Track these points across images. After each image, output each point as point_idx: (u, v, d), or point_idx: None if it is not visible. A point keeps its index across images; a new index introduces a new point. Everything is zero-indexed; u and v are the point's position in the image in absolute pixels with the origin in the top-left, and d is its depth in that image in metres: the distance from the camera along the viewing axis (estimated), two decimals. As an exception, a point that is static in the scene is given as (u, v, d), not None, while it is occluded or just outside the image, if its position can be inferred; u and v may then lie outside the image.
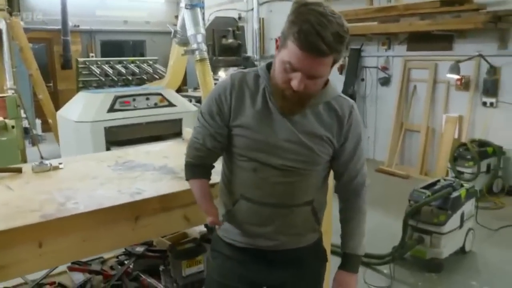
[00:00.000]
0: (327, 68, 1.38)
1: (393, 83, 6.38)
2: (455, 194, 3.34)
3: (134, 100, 3.84)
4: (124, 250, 2.56)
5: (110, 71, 8.89)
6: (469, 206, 3.53)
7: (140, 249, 2.58)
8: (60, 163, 2.24)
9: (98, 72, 8.82)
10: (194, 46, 3.94)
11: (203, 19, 4.07)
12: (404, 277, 3.31)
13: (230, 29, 7.30)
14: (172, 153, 2.49)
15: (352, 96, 6.63)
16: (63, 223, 1.55)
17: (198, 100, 6.06)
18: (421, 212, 3.30)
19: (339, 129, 1.52)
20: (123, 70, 9.00)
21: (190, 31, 3.98)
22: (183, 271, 2.05)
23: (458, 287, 3.20)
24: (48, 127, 7.48)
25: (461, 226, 3.42)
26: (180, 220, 1.85)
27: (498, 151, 5.08)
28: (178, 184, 1.90)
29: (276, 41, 1.44)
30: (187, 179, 1.63)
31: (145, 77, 9.09)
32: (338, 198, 1.67)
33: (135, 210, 1.70)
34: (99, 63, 9.06)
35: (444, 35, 5.58)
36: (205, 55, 3.91)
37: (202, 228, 2.44)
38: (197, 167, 1.60)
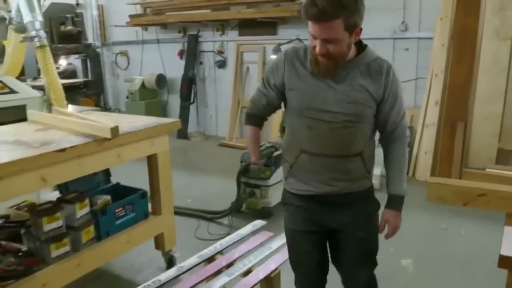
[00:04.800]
0: (338, 32, 1.60)
1: (229, 66, 7.08)
2: (276, 153, 4.08)
3: (-27, 88, 3.86)
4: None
5: None
6: (289, 163, 4.31)
7: (-3, 221, 2.81)
8: None
9: None
10: (33, 33, 4.05)
11: (40, 5, 4.18)
12: (241, 225, 3.96)
13: (69, 15, 7.24)
14: (21, 132, 2.73)
15: (193, 79, 7.19)
16: None
17: (41, 88, 6.01)
18: (250, 170, 3.99)
19: (380, 85, 1.76)
20: None
21: (26, 18, 4.07)
22: (44, 227, 2.37)
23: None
24: None
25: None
26: (38, 181, 2.18)
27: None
28: (33, 151, 2.22)
29: None
30: (245, 124, 2.17)
31: (-26, 67, 8.52)
32: (382, 148, 1.97)
33: (-4, 173, 2.00)
34: None
35: (269, 22, 6.42)
36: (45, 41, 4.04)
37: (57, 194, 2.76)
38: (253, 117, 2.08)
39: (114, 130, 2.39)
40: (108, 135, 2.38)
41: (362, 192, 1.90)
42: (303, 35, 6.08)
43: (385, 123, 1.85)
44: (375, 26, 5.72)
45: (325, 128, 1.76)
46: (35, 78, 8.38)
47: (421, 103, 5.49)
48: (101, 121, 2.58)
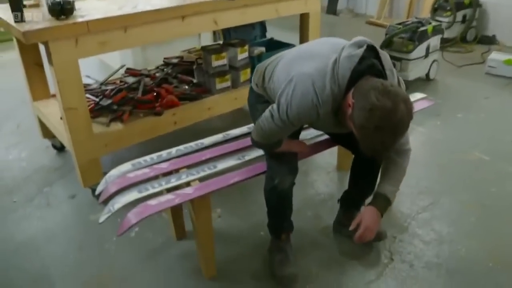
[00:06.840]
0: None
1: None
2: (422, 28, 4.13)
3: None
4: (163, 62, 3.45)
5: None
6: (435, 41, 4.34)
7: (174, 60, 3.47)
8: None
9: None
10: None
11: None
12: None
13: None
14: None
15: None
16: (137, 17, 2.37)
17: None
18: (394, 43, 4.15)
19: None
20: None
21: None
22: (212, 63, 2.93)
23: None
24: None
25: (426, 56, 4.26)
26: (211, 23, 2.68)
27: (474, 3, 5.75)
28: (206, -2, 2.70)
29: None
30: (272, 150, 1.88)
31: None
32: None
33: (181, 12, 2.51)
34: None
35: None
36: None
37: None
38: (278, 143, 1.85)
39: (274, -15, 2.76)
40: (268, -11, 2.77)
41: None
42: None
43: None
44: None
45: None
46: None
47: None
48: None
